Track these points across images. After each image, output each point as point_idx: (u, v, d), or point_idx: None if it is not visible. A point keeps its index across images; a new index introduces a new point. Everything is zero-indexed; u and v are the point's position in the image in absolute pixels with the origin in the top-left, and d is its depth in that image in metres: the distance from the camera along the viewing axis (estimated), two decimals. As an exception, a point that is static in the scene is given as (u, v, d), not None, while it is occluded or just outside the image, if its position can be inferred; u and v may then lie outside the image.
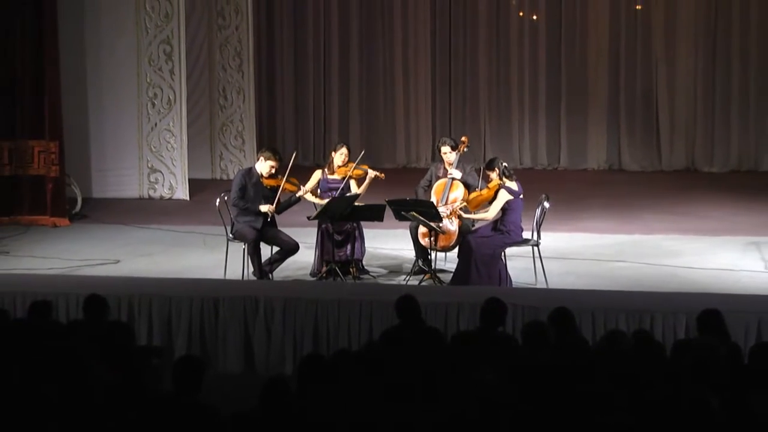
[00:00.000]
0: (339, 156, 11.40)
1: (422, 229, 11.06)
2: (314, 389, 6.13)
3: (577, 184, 17.11)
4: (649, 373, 6.44)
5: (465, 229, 11.06)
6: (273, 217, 11.09)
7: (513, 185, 10.74)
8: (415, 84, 19.32)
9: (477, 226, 11.15)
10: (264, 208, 10.91)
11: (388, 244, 12.32)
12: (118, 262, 11.97)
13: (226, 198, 11.33)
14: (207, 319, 9.60)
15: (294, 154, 11.52)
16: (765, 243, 12.40)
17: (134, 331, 8.44)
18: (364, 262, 11.40)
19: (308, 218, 11.17)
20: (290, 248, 10.94)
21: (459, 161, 11.33)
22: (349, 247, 11.21)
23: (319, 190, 11.44)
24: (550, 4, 18.75)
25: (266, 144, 16.21)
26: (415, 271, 11.18)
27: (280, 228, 11.14)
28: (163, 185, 16.08)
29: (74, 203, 14.83)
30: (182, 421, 5.96)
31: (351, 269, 11.17)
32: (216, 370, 9.39)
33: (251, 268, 10.91)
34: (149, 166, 16.04)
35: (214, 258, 11.71)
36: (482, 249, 10.59)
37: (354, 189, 11.40)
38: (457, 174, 11.25)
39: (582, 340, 7.54)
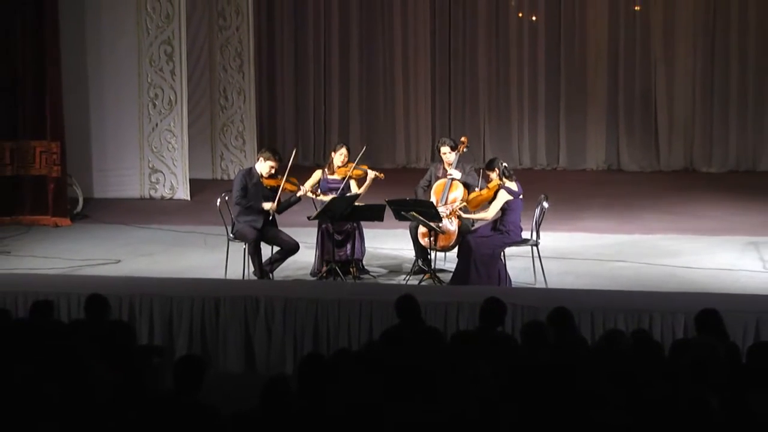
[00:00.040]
0: (339, 156, 11.42)
1: (422, 229, 11.08)
2: (314, 389, 6.13)
3: (576, 184, 17.13)
4: (647, 373, 6.45)
5: (464, 229, 11.08)
6: (274, 217, 11.12)
7: (513, 185, 10.76)
8: (415, 84, 19.34)
9: (476, 226, 11.17)
10: (266, 205, 10.93)
11: (388, 244, 12.34)
12: (119, 261, 11.98)
13: (227, 198, 11.36)
14: (208, 319, 9.61)
15: (294, 152, 11.55)
16: (763, 243, 12.42)
17: (135, 331, 8.44)
18: (364, 262, 11.42)
19: (308, 218, 11.18)
20: (290, 248, 10.95)
21: (458, 161, 11.35)
22: (349, 246, 11.23)
23: (319, 190, 11.47)
24: (549, 5, 18.76)
25: (266, 144, 16.24)
26: (415, 271, 11.19)
27: (280, 228, 11.16)
28: (164, 185, 16.10)
29: (75, 203, 14.85)
30: (183, 421, 5.97)
31: (351, 269, 11.19)
32: (217, 369, 9.40)
33: (252, 268, 10.93)
34: (150, 166, 16.05)
35: (214, 258, 11.71)
36: (482, 249, 10.61)
37: (354, 189, 11.43)
38: (457, 174, 11.27)
39: (581, 340, 7.54)
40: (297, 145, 18.50)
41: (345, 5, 19.31)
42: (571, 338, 7.38)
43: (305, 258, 11.37)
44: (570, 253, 12.14)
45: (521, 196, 10.81)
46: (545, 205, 11.06)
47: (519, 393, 6.11)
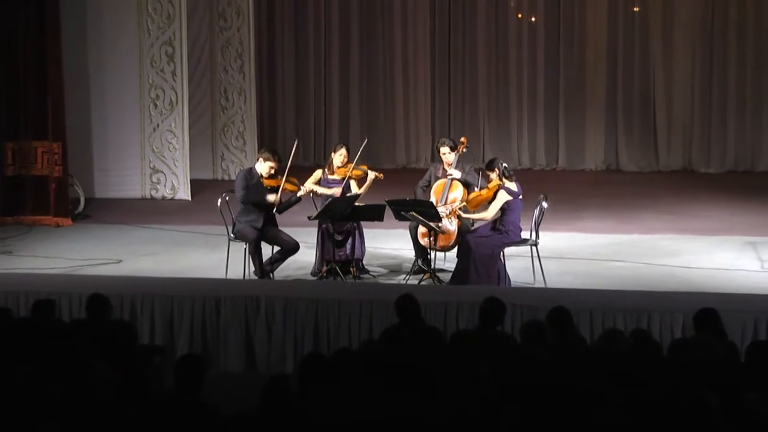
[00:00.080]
0: (338, 157, 11.44)
1: (422, 229, 11.10)
2: (315, 388, 6.14)
3: (575, 185, 17.15)
4: (646, 372, 6.46)
5: (464, 229, 11.10)
6: (274, 217, 11.15)
7: (512, 186, 10.78)
8: (415, 84, 19.36)
9: (476, 226, 11.20)
10: (271, 197, 10.94)
11: (387, 244, 12.35)
12: (120, 261, 12.01)
13: (227, 198, 11.38)
14: (208, 319, 9.63)
15: (295, 144, 11.59)
16: (761, 243, 12.44)
17: (136, 330, 8.38)
18: (364, 262, 11.44)
19: (309, 218, 11.20)
20: (291, 248, 10.97)
21: (458, 161, 11.37)
22: (349, 246, 11.25)
23: (318, 191, 11.50)
24: (549, 6, 18.78)
25: (267, 145, 16.26)
26: (415, 271, 11.21)
27: (280, 228, 11.18)
28: (165, 185, 16.12)
29: (77, 203, 14.87)
30: (184, 420, 5.97)
31: (351, 269, 11.20)
32: (217, 369, 9.41)
33: (252, 268, 10.94)
34: (151, 166, 16.08)
35: (215, 258, 11.74)
36: (481, 249, 10.62)
37: (354, 189, 11.45)
38: (457, 174, 11.28)
39: (580, 339, 7.55)
40: (297, 145, 18.52)
41: (345, 6, 19.33)
42: (570, 338, 7.39)
43: (305, 258, 11.39)
44: (569, 252, 12.15)
45: (521, 197, 10.83)
46: (544, 205, 11.08)
47: (518, 392, 6.11)
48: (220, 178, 17.52)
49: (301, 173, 11.92)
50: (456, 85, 19.27)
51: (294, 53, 19.51)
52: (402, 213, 10.84)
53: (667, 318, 9.00)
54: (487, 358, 6.82)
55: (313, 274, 11.31)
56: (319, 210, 11.04)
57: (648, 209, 14.84)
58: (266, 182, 11.02)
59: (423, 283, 10.93)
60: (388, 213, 11.00)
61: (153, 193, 16.16)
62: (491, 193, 10.83)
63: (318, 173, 11.58)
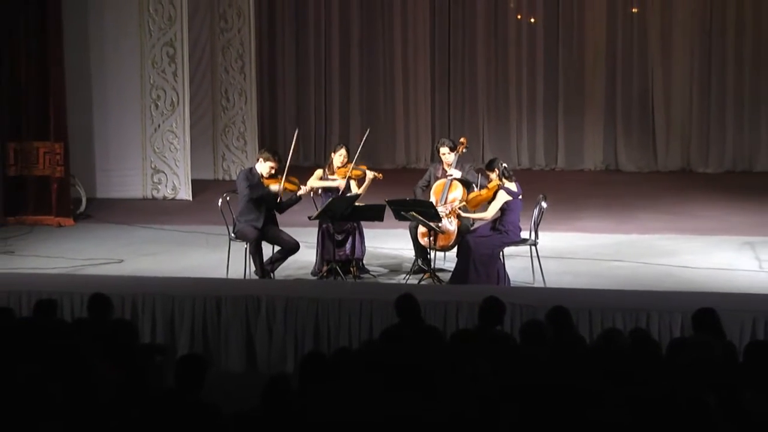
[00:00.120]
0: (338, 157, 11.46)
1: (422, 229, 11.11)
2: (315, 387, 6.16)
3: (574, 185, 17.16)
4: (645, 371, 6.47)
5: (464, 228, 11.11)
6: (275, 217, 11.17)
7: (512, 186, 10.79)
8: (415, 85, 19.38)
9: (475, 225, 11.22)
10: (274, 187, 10.96)
11: (387, 244, 12.37)
12: (121, 261, 12.02)
13: (228, 198, 11.41)
14: (209, 318, 9.63)
15: (296, 132, 11.61)
16: (759, 243, 12.46)
17: (138, 330, 8.32)
18: (364, 262, 11.46)
19: (309, 218, 11.21)
20: (291, 247, 10.98)
21: (458, 161, 11.39)
22: (349, 246, 11.27)
23: (320, 190, 11.53)
24: (548, 7, 18.80)
25: (267, 145, 16.29)
26: (415, 271, 11.22)
27: (281, 228, 11.20)
28: (166, 185, 16.15)
29: (79, 203, 14.90)
30: (184, 419, 5.98)
31: (351, 268, 11.22)
32: (218, 368, 9.42)
33: (253, 268, 10.96)
34: (152, 166, 16.10)
35: (216, 257, 11.75)
36: (481, 249, 10.64)
37: (354, 189, 11.48)
38: (457, 173, 11.29)
39: (579, 339, 7.57)
40: (298, 145, 18.50)
41: (345, 7, 19.36)
42: (569, 337, 7.40)
43: (306, 257, 11.41)
44: (568, 252, 12.17)
45: (520, 197, 10.84)
46: (544, 205, 11.09)
47: (518, 392, 6.13)
48: (221, 178, 17.55)
49: (301, 173, 11.95)
50: (456, 85, 19.30)
51: (294, 54, 19.54)
52: (402, 213, 10.86)
53: (666, 317, 9.00)
54: (486, 358, 6.83)
55: (313, 273, 11.33)
56: (319, 210, 11.06)
57: (647, 209, 14.85)
58: (266, 182, 11.04)
59: (423, 282, 10.94)
60: (388, 213, 11.01)
61: (154, 193, 16.18)
62: (491, 193, 10.85)
63: (318, 173, 11.60)
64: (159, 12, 15.84)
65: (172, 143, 16.05)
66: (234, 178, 15.36)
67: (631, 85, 18.66)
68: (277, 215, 11.23)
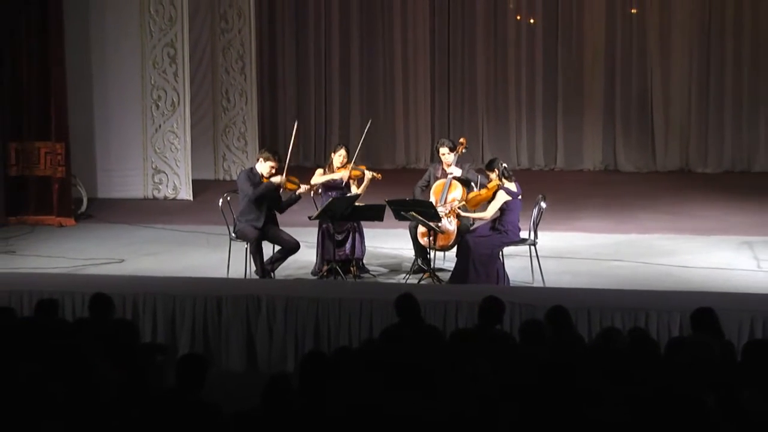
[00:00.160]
0: (338, 157, 11.48)
1: (421, 229, 11.13)
2: (316, 386, 6.17)
3: (573, 185, 17.18)
4: (644, 371, 6.49)
5: (463, 228, 11.13)
6: (275, 216, 11.19)
7: (512, 186, 10.80)
8: (414, 85, 19.40)
9: (475, 225, 11.25)
10: (276, 179, 10.97)
11: (387, 244, 12.38)
12: (122, 261, 12.03)
13: (229, 198, 11.43)
14: (210, 318, 9.65)
15: (295, 123, 11.63)
16: (758, 242, 12.47)
17: (139, 329, 8.41)
18: (364, 261, 11.48)
19: (309, 218, 11.23)
20: (291, 247, 10.99)
21: (457, 162, 11.41)
22: (349, 246, 11.29)
23: (320, 190, 11.55)
24: (547, 8, 18.81)
25: (268, 145, 16.30)
26: (415, 270, 11.24)
27: (281, 227, 11.22)
28: (167, 186, 16.17)
29: (80, 203, 14.91)
30: (185, 419, 6.00)
31: (351, 268, 11.24)
32: (219, 367, 9.44)
33: (253, 267, 10.97)
34: (153, 166, 16.12)
35: (217, 257, 11.77)
36: (480, 248, 10.65)
37: (354, 190, 11.51)
38: (457, 171, 11.31)
39: (578, 338, 7.60)
40: (298, 145, 18.52)
41: (345, 7, 19.38)
42: (568, 336, 7.43)
43: (306, 257, 11.43)
44: (567, 252, 12.19)
45: (520, 197, 10.85)
46: (543, 205, 11.11)
47: (517, 391, 6.15)
48: (221, 178, 17.57)
49: (301, 173, 11.99)
50: (455, 85, 19.32)
51: (295, 54, 19.56)
52: (402, 213, 10.88)
53: (665, 317, 9.02)
54: (486, 357, 6.85)
55: (313, 273, 11.35)
56: (319, 210, 11.08)
57: (645, 209, 14.86)
58: (267, 180, 11.06)
59: (423, 282, 10.95)
60: (388, 213, 11.03)
61: (155, 193, 16.20)
62: (490, 193, 10.86)
63: (320, 172, 11.64)
64: (160, 13, 15.86)
65: (172, 143, 16.07)
66: (235, 178, 15.37)
67: (630, 85, 18.68)
68: (278, 215, 11.24)
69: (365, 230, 11.49)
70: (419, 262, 11.32)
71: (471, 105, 19.27)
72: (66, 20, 14.64)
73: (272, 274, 11.01)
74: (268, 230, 11.04)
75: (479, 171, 11.59)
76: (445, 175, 11.39)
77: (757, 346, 6.93)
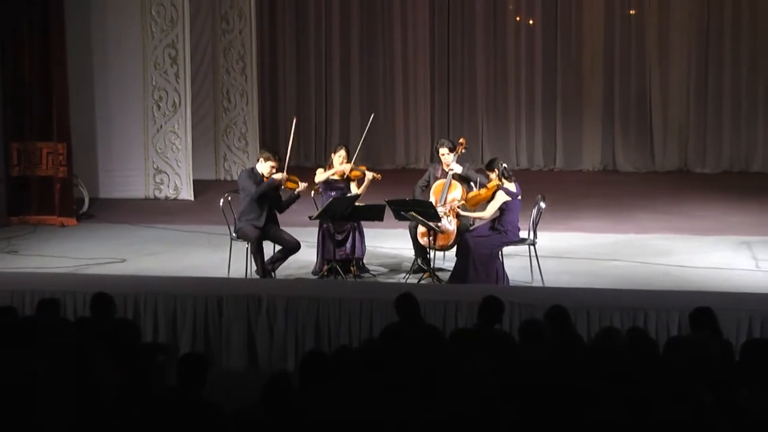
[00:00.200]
0: (338, 158, 11.51)
1: (421, 229, 11.15)
2: (316, 385, 6.18)
3: (572, 185, 17.20)
4: (642, 370, 6.50)
5: (463, 228, 11.14)
6: (276, 216, 11.22)
7: (511, 186, 10.81)
8: (414, 85, 19.42)
9: (475, 225, 11.27)
10: (277, 176, 11.00)
11: (387, 243, 12.40)
12: (124, 261, 12.05)
13: (230, 198, 11.45)
14: (211, 317, 9.66)
15: (294, 120, 11.65)
16: (756, 242, 12.51)
17: (140, 329, 8.38)
18: (364, 261, 11.50)
19: (309, 218, 11.25)
20: (292, 247, 11.02)
21: (457, 162, 11.44)
22: (349, 246, 11.31)
23: (320, 189, 11.58)
24: (546, 8, 18.83)
25: (268, 146, 16.33)
26: (414, 270, 11.26)
27: (282, 227, 11.25)
28: (168, 186, 16.19)
29: (81, 203, 14.92)
30: (186, 418, 6.01)
31: (352, 268, 11.27)
32: (220, 366, 9.46)
33: (254, 267, 11.00)
34: (155, 167, 16.14)
35: (217, 257, 11.80)
36: (480, 248, 10.67)
37: (354, 190, 11.54)
38: (458, 168, 11.32)
39: (577, 338, 7.61)
40: (298, 146, 18.54)
41: (345, 8, 19.40)
42: (567, 336, 7.44)
43: (307, 257, 11.46)
44: (566, 252, 12.21)
45: (519, 197, 10.87)
46: (542, 205, 11.12)
47: (517, 390, 6.16)
48: (222, 178, 17.59)
49: (302, 173, 12.01)
50: (455, 85, 19.34)
51: (295, 55, 19.59)
52: (402, 213, 10.89)
53: (663, 316, 9.04)
54: (485, 356, 6.85)
55: (314, 273, 11.38)
56: (319, 210, 11.10)
57: (644, 209, 14.89)
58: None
59: (422, 282, 10.98)
60: (388, 213, 11.05)
61: (156, 193, 16.23)
62: (490, 193, 10.87)
63: (321, 171, 11.67)
64: (161, 14, 15.89)
65: (174, 144, 16.09)
66: (235, 178, 15.39)
67: (629, 85, 18.70)
68: (278, 215, 11.27)
69: (365, 230, 11.51)
70: (419, 261, 11.33)
71: (471, 105, 19.29)
72: (67, 21, 14.65)
73: (273, 273, 11.02)
74: (269, 230, 11.07)
75: (479, 171, 11.60)
76: (444, 175, 11.40)
77: (755, 345, 6.93)
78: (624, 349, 6.90)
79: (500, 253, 10.86)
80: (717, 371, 6.58)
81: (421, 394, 6.19)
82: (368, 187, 11.50)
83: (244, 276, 11.02)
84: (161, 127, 16.08)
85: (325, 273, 11.17)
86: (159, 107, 16.03)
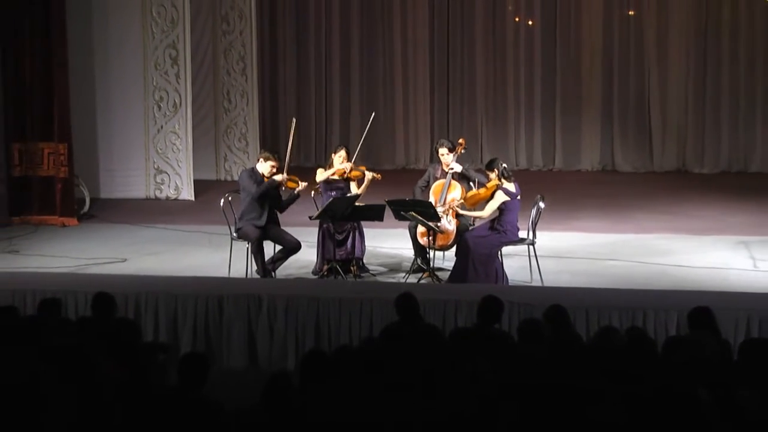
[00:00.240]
0: (338, 158, 11.54)
1: (421, 229, 11.16)
2: (316, 384, 6.20)
3: (571, 185, 17.22)
4: (641, 369, 6.51)
5: (463, 228, 11.15)
6: (276, 216, 11.25)
7: (510, 187, 10.83)
8: (414, 85, 19.44)
9: (474, 225, 11.29)
10: (278, 177, 11.02)
11: (387, 243, 12.42)
12: (125, 260, 12.07)
13: (230, 198, 11.47)
14: (212, 317, 9.67)
15: (293, 121, 11.66)
16: (754, 242, 12.53)
17: (141, 328, 8.45)
18: (364, 261, 11.53)
19: (310, 218, 11.27)
20: (292, 247, 11.03)
21: (456, 162, 11.46)
22: (349, 245, 11.34)
23: (321, 189, 11.61)
24: (545, 10, 18.85)
25: (269, 146, 16.35)
26: (414, 270, 11.27)
27: (282, 227, 11.28)
28: (168, 186, 16.22)
29: (82, 203, 14.93)
30: (187, 416, 6.03)
31: (352, 268, 11.30)
32: (220, 365, 9.47)
33: (255, 267, 11.02)
34: (155, 167, 16.17)
35: (218, 257, 11.82)
36: (479, 248, 10.69)
37: (354, 190, 11.56)
38: (458, 167, 11.34)
39: (576, 337, 7.61)
40: (299, 146, 18.58)
41: (346, 9, 19.42)
42: (566, 335, 7.44)
43: (307, 257, 11.47)
44: (566, 252, 12.23)
45: (519, 197, 10.89)
46: (541, 205, 11.14)
47: (516, 389, 6.16)
48: (223, 178, 17.62)
49: (302, 173, 12.03)
50: (455, 86, 19.36)
51: (295, 56, 19.61)
52: (401, 213, 10.91)
53: (662, 316, 9.06)
54: (485, 356, 6.86)
55: (314, 272, 11.40)
56: (320, 210, 11.13)
57: (643, 209, 14.91)
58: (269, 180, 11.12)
59: (422, 281, 10.99)
60: (388, 213, 11.07)
61: (157, 193, 16.25)
62: (489, 193, 10.89)
63: (321, 171, 11.69)
64: (162, 15, 15.91)
65: (174, 144, 16.11)
66: (236, 178, 15.42)
67: (628, 86, 18.72)
68: (279, 215, 11.29)
69: (365, 230, 11.53)
70: (419, 261, 11.34)
71: (470, 105, 19.31)
72: (69, 21, 14.66)
73: (273, 273, 11.04)
74: (270, 230, 11.09)
75: (479, 171, 11.62)
76: (444, 175, 11.42)
77: (753, 344, 6.95)
78: (623, 349, 6.91)
79: (499, 252, 10.87)
80: (715, 370, 6.57)
81: (421, 393, 6.18)
82: (368, 187, 11.52)
83: (244, 276, 11.03)
84: (162, 127, 16.11)
85: (325, 273, 11.19)
86: (160, 108, 16.05)
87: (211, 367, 6.41)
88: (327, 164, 11.82)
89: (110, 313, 8.12)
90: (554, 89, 18.99)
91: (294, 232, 11.35)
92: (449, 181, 11.35)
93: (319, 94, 19.64)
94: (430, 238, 11.06)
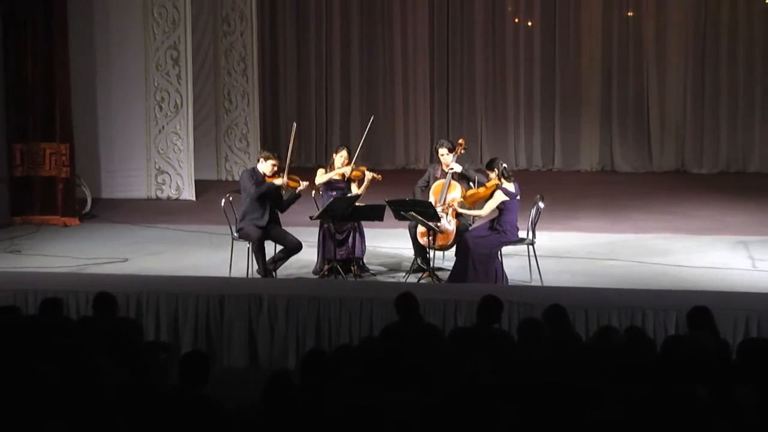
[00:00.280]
0: (339, 158, 11.55)
1: (421, 229, 11.17)
2: (316, 383, 6.21)
3: (570, 185, 17.23)
4: (640, 369, 6.50)
5: (462, 228, 11.16)
6: (278, 216, 11.27)
7: (510, 186, 10.84)
8: (414, 85, 19.45)
9: (474, 225, 11.31)
10: (278, 180, 11.05)
11: (387, 243, 12.43)
12: (126, 260, 12.09)
13: (231, 198, 11.49)
14: (213, 316, 9.69)
15: (294, 125, 11.67)
16: (753, 242, 12.54)
17: (142, 328, 8.42)
18: (364, 261, 11.54)
19: (310, 218, 11.28)
20: (293, 247, 11.05)
21: (456, 162, 11.49)
22: (350, 245, 11.36)
23: (321, 189, 11.63)
24: (545, 10, 18.87)
25: (269, 146, 16.37)
26: (414, 270, 11.28)
27: (283, 227, 11.30)
28: (170, 186, 16.23)
29: (84, 203, 14.95)
30: (188, 415, 6.04)
31: (352, 267, 11.31)
32: (221, 365, 9.50)
33: (256, 267, 11.05)
34: (157, 167, 16.19)
35: (219, 257, 11.83)
36: (479, 248, 10.70)
37: (354, 190, 11.59)
38: (458, 167, 11.35)
39: (575, 337, 7.62)
40: (299, 146, 18.58)
41: (346, 9, 19.44)
42: (565, 335, 7.46)
43: (307, 257, 11.49)
44: (565, 251, 12.24)
45: (518, 197, 10.90)
46: (541, 205, 11.15)
47: (515, 389, 6.18)
48: (224, 178, 17.64)
49: (303, 173, 12.04)
50: (454, 86, 19.37)
51: (296, 56, 19.63)
52: (402, 213, 10.92)
53: (661, 315, 9.07)
54: (484, 355, 6.87)
55: (314, 272, 11.41)
56: (320, 210, 11.14)
57: (642, 209, 14.92)
58: (270, 180, 11.11)
59: (422, 281, 11.01)
60: (388, 213, 11.08)
61: (158, 193, 16.27)
62: (488, 192, 10.90)
63: (321, 171, 11.71)
64: (163, 15, 15.93)
65: (175, 144, 16.13)
66: (237, 178, 15.43)
67: (627, 86, 18.74)
68: (280, 215, 11.32)
69: (365, 230, 11.55)
70: (419, 261, 11.35)
71: (470, 105, 19.33)
72: (70, 22, 14.68)
73: (274, 273, 11.06)
74: (272, 230, 11.10)
75: (478, 171, 11.64)
76: (444, 175, 11.44)
77: (752, 344, 6.93)
78: (622, 348, 6.91)
79: (499, 252, 10.89)
80: (714, 370, 6.56)
81: (421, 393, 6.19)
82: (368, 187, 11.53)
83: (245, 275, 11.05)
84: (163, 127, 16.12)
85: (326, 272, 11.21)
86: (161, 108, 16.07)
87: (212, 367, 6.41)
88: (328, 164, 11.83)
89: (111, 312, 8.13)
90: (553, 89, 19.00)
91: (294, 232, 11.37)
92: (449, 181, 11.36)
93: (320, 94, 19.66)
94: (430, 238, 11.07)
